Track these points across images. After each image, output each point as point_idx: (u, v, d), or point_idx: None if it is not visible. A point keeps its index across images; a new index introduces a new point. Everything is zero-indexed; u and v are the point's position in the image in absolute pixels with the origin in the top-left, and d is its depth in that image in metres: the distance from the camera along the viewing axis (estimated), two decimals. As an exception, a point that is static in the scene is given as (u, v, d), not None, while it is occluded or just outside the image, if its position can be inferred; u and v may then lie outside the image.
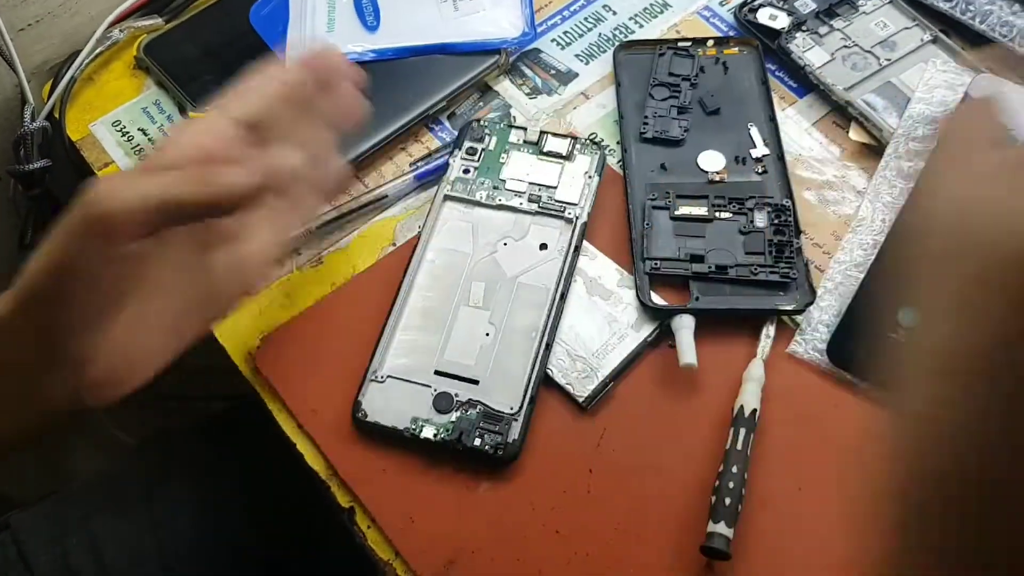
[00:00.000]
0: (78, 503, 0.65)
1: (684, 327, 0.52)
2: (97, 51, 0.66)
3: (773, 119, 0.59)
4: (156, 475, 0.66)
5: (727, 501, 0.46)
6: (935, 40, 0.62)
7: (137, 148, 0.63)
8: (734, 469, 0.47)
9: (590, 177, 0.58)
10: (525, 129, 0.60)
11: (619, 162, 0.59)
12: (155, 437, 0.71)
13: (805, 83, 0.62)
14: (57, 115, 0.65)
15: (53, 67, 0.67)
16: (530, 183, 0.58)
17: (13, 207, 0.72)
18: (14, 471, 0.98)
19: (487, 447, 0.49)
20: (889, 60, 0.62)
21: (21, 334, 0.39)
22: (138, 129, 0.64)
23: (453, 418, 0.50)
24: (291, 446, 0.52)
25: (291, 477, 0.65)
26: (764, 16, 0.64)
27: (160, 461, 0.68)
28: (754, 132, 0.59)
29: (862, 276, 0.53)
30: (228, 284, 0.41)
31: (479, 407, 0.50)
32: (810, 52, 0.62)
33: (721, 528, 0.46)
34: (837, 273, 0.54)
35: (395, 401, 0.51)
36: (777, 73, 0.63)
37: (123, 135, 0.64)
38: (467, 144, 0.59)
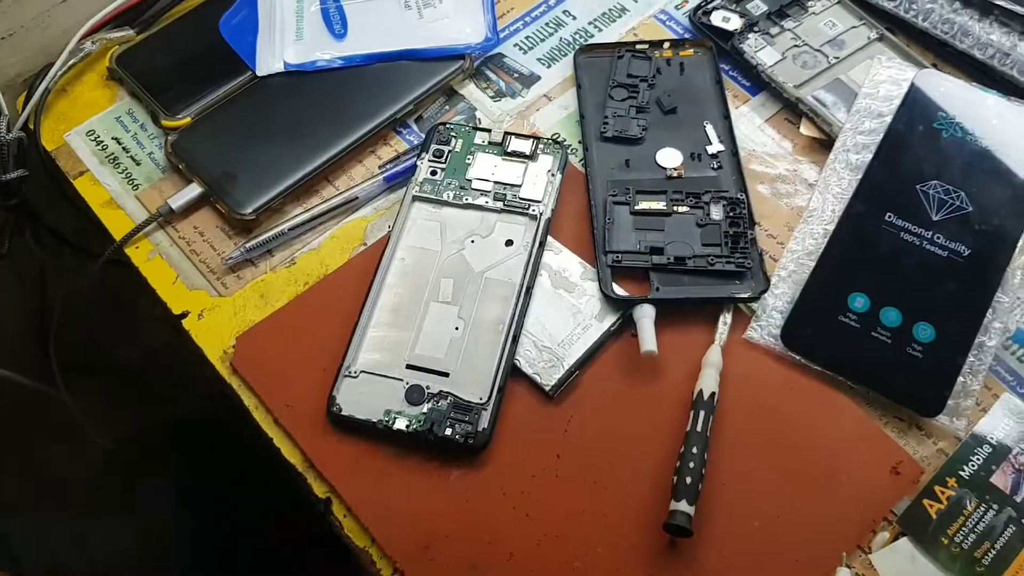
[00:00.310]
0: (62, 504, 0.67)
1: (645, 316, 0.54)
2: (70, 63, 0.67)
3: (727, 117, 0.62)
4: (136, 473, 0.68)
5: (688, 480, 0.49)
6: (881, 38, 0.65)
7: (111, 156, 0.64)
8: (694, 450, 0.49)
9: (553, 175, 0.60)
10: (489, 131, 0.62)
11: (581, 160, 0.61)
12: (132, 439, 0.73)
13: (757, 82, 0.65)
14: (32, 126, 0.66)
15: (27, 79, 0.68)
16: (495, 182, 0.60)
17: (-10, 218, 0.73)
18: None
19: (458, 436, 0.51)
20: (838, 58, 0.64)
21: None
22: (112, 138, 0.65)
23: (425, 409, 0.52)
24: (268, 441, 0.54)
25: (268, 471, 0.66)
26: (718, 18, 0.66)
27: (138, 460, 0.70)
28: (709, 130, 0.61)
29: (814, 264, 0.56)
30: None
31: (449, 398, 0.52)
32: (762, 52, 0.65)
33: (683, 506, 0.48)
34: (790, 262, 0.57)
35: (368, 395, 0.53)
36: (731, 73, 0.66)
37: (97, 144, 0.65)
38: (434, 146, 0.61)
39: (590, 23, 0.69)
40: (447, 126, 0.63)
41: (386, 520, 0.50)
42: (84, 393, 0.84)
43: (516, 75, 0.67)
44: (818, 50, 0.65)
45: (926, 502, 0.50)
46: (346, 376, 0.53)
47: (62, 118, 0.67)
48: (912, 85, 0.60)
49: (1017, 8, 0.62)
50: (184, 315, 0.58)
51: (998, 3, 0.62)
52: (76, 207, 0.65)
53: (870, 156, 0.58)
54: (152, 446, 0.73)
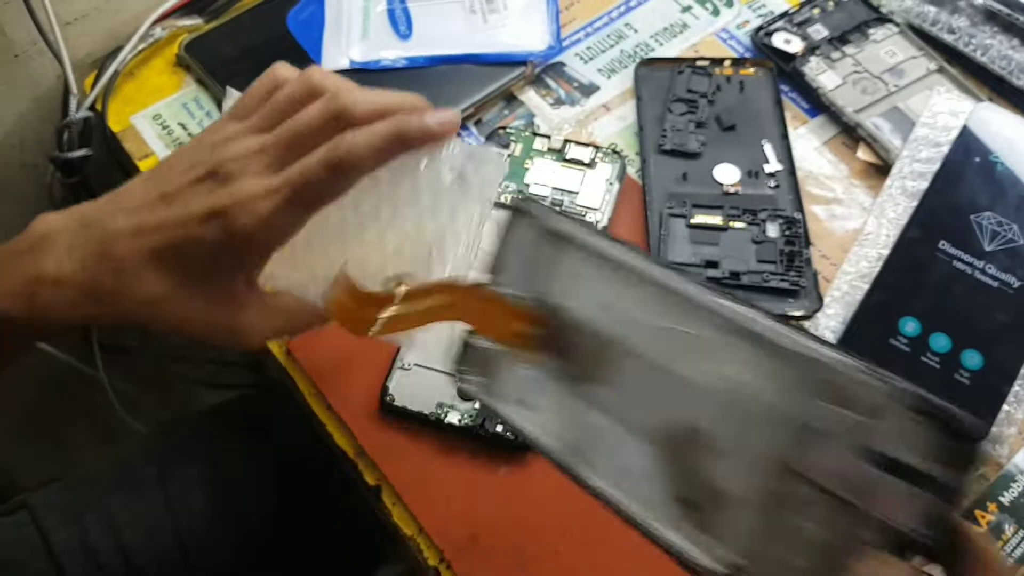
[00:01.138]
0: (94, 485, 0.67)
1: (698, 328, 0.55)
2: (139, 47, 0.69)
3: (785, 137, 0.63)
4: (170, 458, 0.68)
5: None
6: (940, 70, 0.66)
7: (176, 141, 0.66)
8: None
9: (611, 184, 0.61)
10: (549, 137, 0.63)
11: (638, 172, 0.62)
12: (167, 424, 0.73)
13: (817, 104, 0.65)
14: (99, 107, 0.67)
15: (96, 61, 0.70)
16: (553, 188, 0.61)
17: (48, 193, 0.74)
18: (25, 459, 1.00)
19: (509, 433, 0.52)
20: (897, 86, 0.65)
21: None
22: (178, 123, 0.67)
23: (476, 405, 0.53)
24: (321, 427, 0.55)
25: (304, 459, 0.67)
26: (779, 40, 0.67)
27: (173, 445, 0.70)
28: (767, 148, 0.62)
29: (867, 287, 0.56)
30: None
31: (502, 396, 0.53)
32: (822, 76, 0.66)
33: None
34: (843, 283, 0.57)
35: (421, 387, 0.54)
36: (790, 94, 0.67)
37: (163, 128, 0.66)
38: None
39: (651, 37, 0.70)
40: (507, 130, 0.64)
41: (434, 510, 0.51)
42: (122, 375, 0.85)
43: (576, 84, 0.68)
44: (878, 77, 0.65)
45: (969, 527, 0.51)
46: (400, 368, 0.54)
47: (129, 101, 0.68)
48: (970, 117, 0.61)
49: (1077, 48, 0.63)
50: (242, 299, 0.59)
51: (1058, 42, 0.63)
52: (137, 188, 0.66)
53: (926, 184, 0.59)
54: (187, 432, 0.73)
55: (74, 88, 0.67)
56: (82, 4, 0.69)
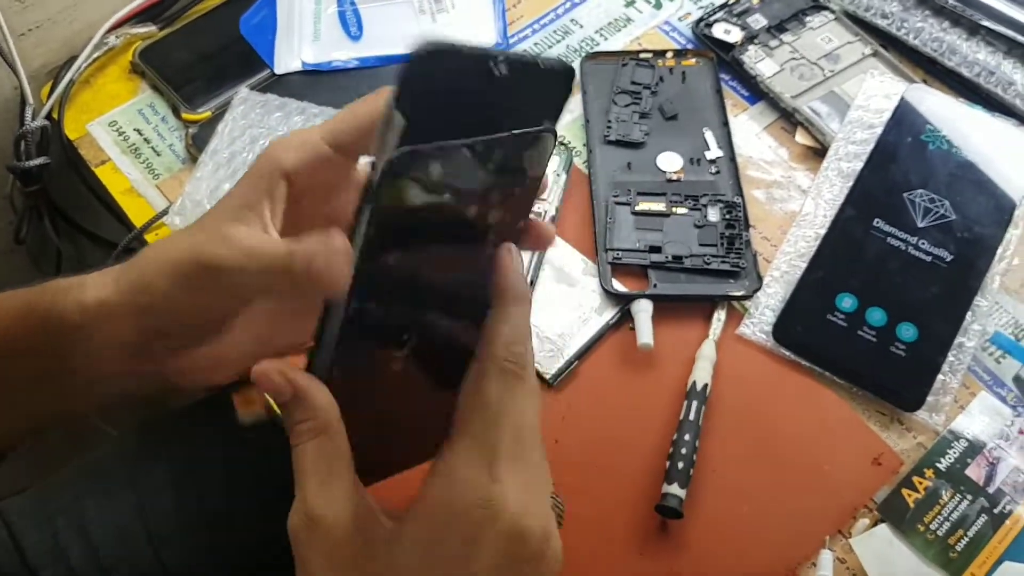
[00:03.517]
0: (66, 488, 0.68)
1: (643, 311, 0.57)
2: (94, 56, 0.70)
3: (726, 124, 0.65)
4: (140, 459, 0.69)
5: (680, 465, 0.51)
6: (875, 54, 0.68)
7: (133, 147, 0.67)
8: (687, 437, 0.52)
9: (558, 175, 0.62)
10: (498, 131, 0.64)
11: (585, 162, 0.64)
12: (139, 425, 0.75)
13: (756, 92, 0.68)
14: (56, 115, 0.68)
15: (52, 70, 0.71)
16: (503, 181, 0.62)
17: (10, 204, 0.75)
18: (-2, 465, 1.00)
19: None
20: (833, 71, 0.67)
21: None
22: (134, 129, 0.68)
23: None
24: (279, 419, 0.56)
25: (275, 458, 0.68)
26: (719, 31, 0.69)
27: (144, 446, 0.71)
28: (708, 136, 0.64)
29: (805, 265, 0.59)
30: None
31: (455, 383, 0.55)
32: (761, 63, 0.68)
33: (675, 489, 0.50)
34: (783, 263, 0.59)
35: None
36: (731, 83, 0.69)
37: (119, 135, 0.68)
38: (444, 145, 0.64)
39: (596, 32, 0.72)
40: (457, 126, 0.65)
41: (391, 497, 0.53)
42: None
43: (524, 79, 0.70)
44: (815, 63, 0.68)
45: (904, 491, 0.53)
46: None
47: (85, 109, 0.69)
48: (902, 99, 0.63)
49: (1002, 29, 0.65)
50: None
51: (984, 24, 0.65)
52: (96, 196, 0.68)
53: (861, 165, 0.61)
54: (158, 432, 0.74)
55: (30, 98, 0.68)
56: (36, 15, 0.69)
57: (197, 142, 0.65)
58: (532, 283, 0.58)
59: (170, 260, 0.39)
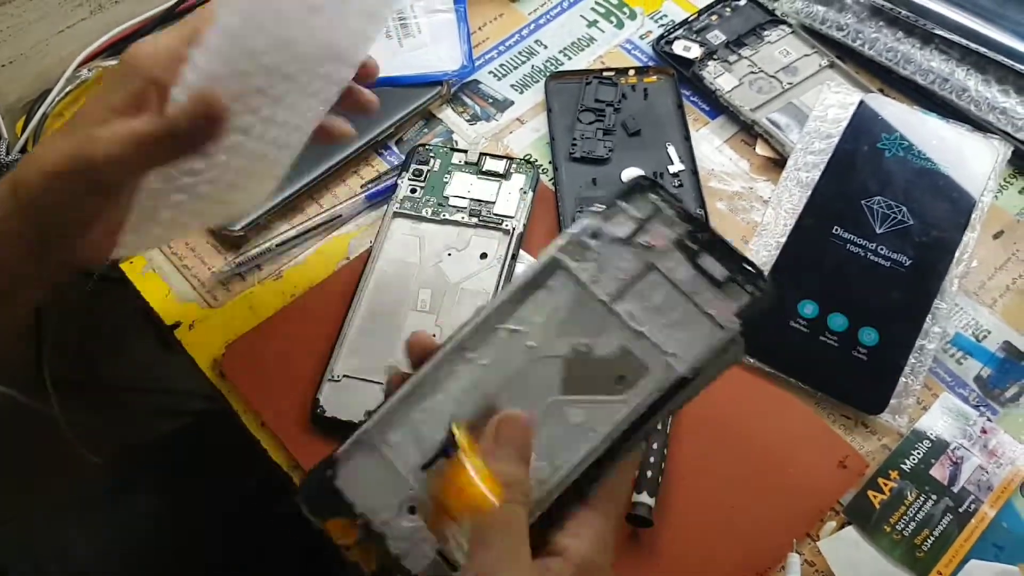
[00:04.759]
0: (48, 516, 0.69)
1: (610, 323, 0.58)
2: (67, 89, 0.71)
3: (688, 139, 0.66)
4: (121, 487, 0.70)
5: (649, 474, 0.52)
6: (831, 65, 0.70)
7: (107, 177, 0.68)
8: (655, 446, 0.53)
9: (525, 192, 0.64)
10: (466, 152, 0.66)
11: (551, 179, 0.66)
12: (121, 453, 0.75)
13: (716, 106, 0.69)
14: (31, 149, 0.69)
15: (26, 104, 0.72)
16: (471, 199, 0.64)
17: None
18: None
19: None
20: (791, 83, 0.69)
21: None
22: (107, 160, 0.69)
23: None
24: (255, 443, 0.57)
25: (249, 484, 0.69)
26: (679, 48, 0.71)
27: (125, 474, 0.72)
28: (671, 150, 0.65)
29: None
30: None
31: (427, 400, 0.55)
32: (720, 78, 0.69)
33: (644, 498, 0.51)
34: (745, 272, 0.61)
35: (351, 397, 0.56)
36: (691, 98, 0.70)
37: (93, 166, 0.68)
38: (413, 167, 0.65)
39: (560, 52, 0.73)
40: (426, 147, 0.66)
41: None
42: (75, 408, 0.87)
43: (491, 100, 0.71)
44: (773, 76, 0.69)
45: (870, 493, 0.54)
46: (329, 380, 0.57)
47: (59, 141, 0.70)
48: (858, 108, 0.65)
49: (955, 37, 0.66)
50: (176, 326, 0.61)
51: (937, 32, 0.67)
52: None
53: (819, 174, 0.63)
54: (138, 461, 0.75)
55: (4, 132, 0.69)
56: (8, 51, 0.71)
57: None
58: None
59: (51, 169, 0.42)
